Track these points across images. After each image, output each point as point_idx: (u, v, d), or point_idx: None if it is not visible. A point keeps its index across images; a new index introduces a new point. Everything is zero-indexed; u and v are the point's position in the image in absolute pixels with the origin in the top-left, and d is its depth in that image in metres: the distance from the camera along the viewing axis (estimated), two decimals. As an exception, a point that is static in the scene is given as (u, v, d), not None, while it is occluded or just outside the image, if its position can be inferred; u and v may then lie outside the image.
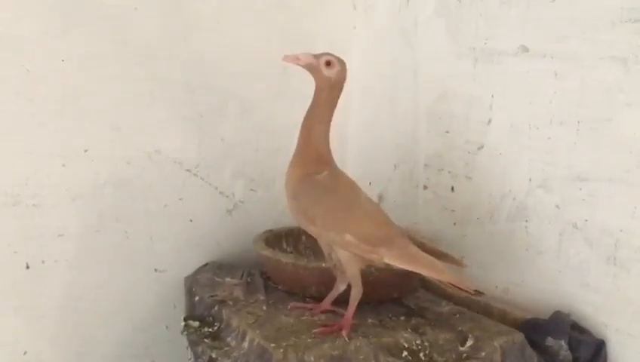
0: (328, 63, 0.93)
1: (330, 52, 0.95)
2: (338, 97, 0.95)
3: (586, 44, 0.97)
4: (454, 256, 0.98)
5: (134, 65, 1.15)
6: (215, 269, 1.18)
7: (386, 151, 1.36)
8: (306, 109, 0.96)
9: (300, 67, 0.95)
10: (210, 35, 1.22)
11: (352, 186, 0.98)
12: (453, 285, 0.91)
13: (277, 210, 1.30)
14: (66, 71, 1.09)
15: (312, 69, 0.94)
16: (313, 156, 0.95)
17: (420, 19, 1.25)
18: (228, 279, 1.13)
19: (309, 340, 0.88)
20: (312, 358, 0.85)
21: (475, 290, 0.90)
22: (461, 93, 1.18)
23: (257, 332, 0.91)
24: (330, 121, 0.95)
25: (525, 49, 1.06)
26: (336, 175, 0.97)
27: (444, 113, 1.21)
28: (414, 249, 0.92)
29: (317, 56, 0.94)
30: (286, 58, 0.93)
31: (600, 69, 0.96)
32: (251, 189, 1.30)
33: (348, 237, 0.90)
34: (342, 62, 0.94)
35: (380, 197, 1.37)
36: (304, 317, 0.97)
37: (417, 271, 0.91)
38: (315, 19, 1.34)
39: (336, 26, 1.38)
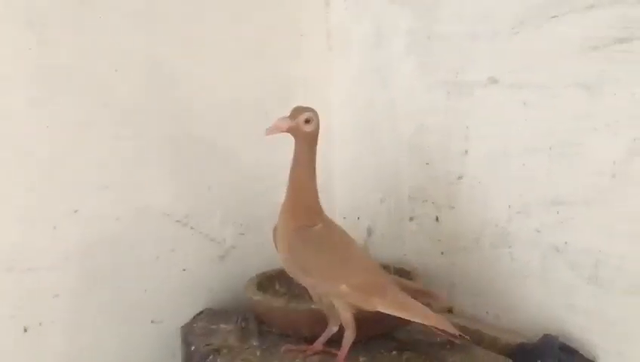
0: (307, 121, 0.93)
1: (299, 104, 0.95)
2: (316, 146, 0.96)
3: (552, 73, 1.00)
4: (435, 291, 1.04)
5: (118, 125, 1.18)
6: (210, 316, 1.19)
7: (372, 185, 1.38)
8: (289, 150, 0.96)
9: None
10: (190, 88, 1.26)
11: (344, 237, 0.99)
12: (440, 329, 0.92)
13: (268, 251, 1.29)
14: (51, 136, 1.12)
15: (293, 130, 0.93)
16: (304, 209, 0.96)
17: (393, 57, 1.29)
18: (223, 325, 1.14)
19: (303, 384, 0.90)
20: (306, 402, 0.86)
21: (460, 335, 0.92)
22: (437, 125, 1.21)
23: (252, 379, 0.93)
24: (315, 171, 0.96)
25: (494, 80, 1.09)
26: (330, 226, 0.98)
27: (423, 145, 1.24)
28: (404, 296, 0.94)
29: (293, 116, 0.93)
30: (269, 132, 0.92)
31: (566, 97, 0.98)
32: (241, 233, 1.32)
33: (343, 287, 0.92)
34: (315, 113, 0.95)
35: (369, 231, 1.39)
36: (297, 360, 0.98)
37: (408, 318, 0.93)
38: (292, 63, 1.38)
39: (313, 68, 1.41)
